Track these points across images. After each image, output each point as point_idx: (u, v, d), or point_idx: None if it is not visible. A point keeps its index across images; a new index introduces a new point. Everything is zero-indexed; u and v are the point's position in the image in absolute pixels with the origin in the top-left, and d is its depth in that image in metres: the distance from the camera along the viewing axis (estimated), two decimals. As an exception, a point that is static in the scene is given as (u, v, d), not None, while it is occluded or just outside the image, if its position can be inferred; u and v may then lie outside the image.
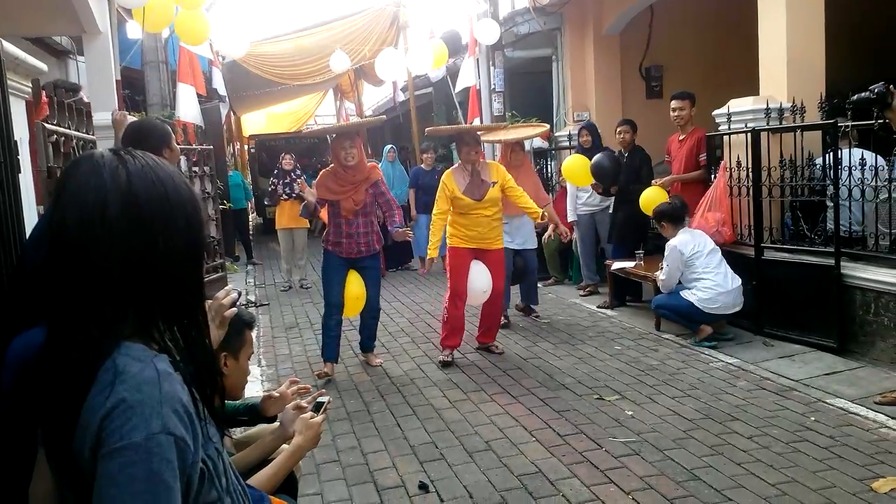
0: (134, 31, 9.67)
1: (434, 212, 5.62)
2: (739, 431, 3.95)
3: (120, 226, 1.09)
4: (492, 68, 9.41)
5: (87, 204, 1.10)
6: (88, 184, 1.11)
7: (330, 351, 5.38)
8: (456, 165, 5.75)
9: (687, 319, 5.74)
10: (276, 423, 2.42)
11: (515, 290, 6.93)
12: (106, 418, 1.02)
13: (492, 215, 5.56)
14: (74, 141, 3.48)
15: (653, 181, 6.73)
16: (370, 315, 5.58)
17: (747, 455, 3.67)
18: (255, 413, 2.49)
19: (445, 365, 5.46)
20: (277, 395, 2.48)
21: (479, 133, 5.97)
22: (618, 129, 7.23)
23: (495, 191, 5.56)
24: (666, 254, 5.78)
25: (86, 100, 5.76)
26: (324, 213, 5.45)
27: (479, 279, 5.56)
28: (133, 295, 1.11)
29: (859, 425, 3.97)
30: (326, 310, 5.37)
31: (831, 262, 5.17)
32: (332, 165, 5.38)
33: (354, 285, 5.35)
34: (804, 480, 3.35)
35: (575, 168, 7.23)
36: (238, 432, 2.87)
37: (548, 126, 5.74)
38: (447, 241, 5.69)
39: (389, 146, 10.40)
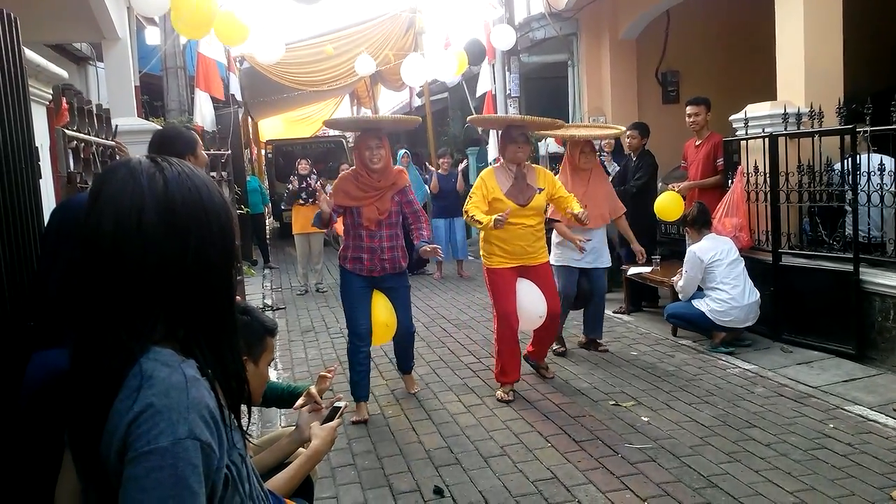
0: (153, 37, 9.79)
1: (466, 207, 4.83)
2: (757, 438, 3.93)
3: (156, 231, 1.11)
4: (507, 73, 9.42)
5: (124, 209, 1.11)
6: (125, 189, 1.12)
7: (361, 389, 4.61)
8: (497, 164, 5.03)
9: (697, 329, 5.71)
10: (293, 427, 2.44)
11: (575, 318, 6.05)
12: (133, 423, 1.03)
13: (535, 226, 4.81)
14: (94, 147, 3.52)
15: (669, 186, 6.70)
16: (404, 339, 4.89)
17: (765, 462, 3.64)
18: (287, 401, 2.61)
19: (504, 403, 4.70)
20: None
21: (524, 128, 5.02)
22: (626, 133, 7.20)
23: (541, 199, 4.84)
24: (686, 259, 5.75)
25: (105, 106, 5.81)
26: (339, 226, 4.92)
27: (532, 301, 4.79)
28: (164, 300, 1.12)
29: (878, 433, 3.93)
30: (351, 341, 4.60)
31: (850, 267, 5.12)
32: (352, 168, 4.73)
33: (382, 310, 4.61)
34: (822, 488, 3.32)
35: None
36: (255, 436, 2.90)
37: (624, 127, 5.21)
38: (483, 260, 4.95)
39: (403, 151, 10.44)
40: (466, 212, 4.78)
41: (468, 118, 5.61)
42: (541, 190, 4.83)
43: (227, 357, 1.19)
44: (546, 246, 5.05)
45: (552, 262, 5.33)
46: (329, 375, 2.72)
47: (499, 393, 4.80)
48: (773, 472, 3.52)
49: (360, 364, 4.60)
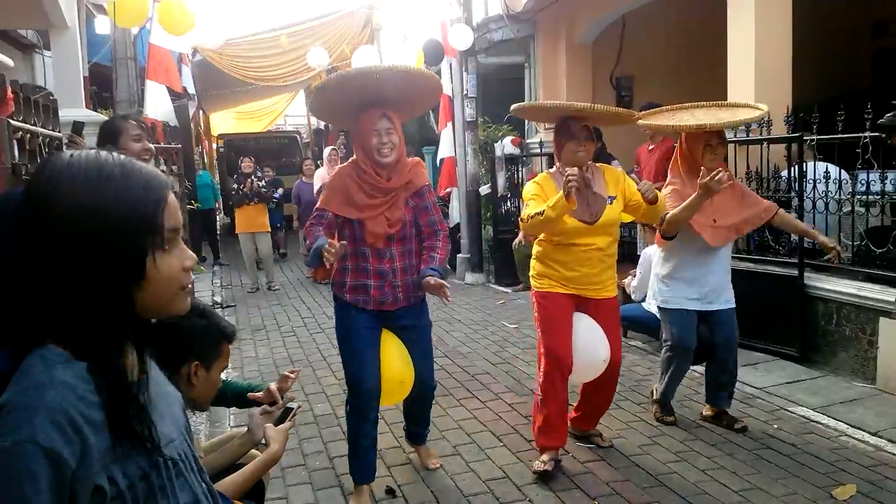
0: (103, 26, 9.53)
1: (522, 216, 3.62)
2: (704, 438, 4.00)
3: (46, 230, 1.08)
4: (465, 74, 9.42)
5: (32, 199, 1.08)
6: (39, 180, 1.09)
7: (365, 469, 3.41)
8: (553, 170, 3.76)
9: (648, 330, 5.80)
10: (244, 428, 2.40)
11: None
12: None
13: (605, 248, 3.61)
14: (41, 138, 3.42)
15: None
16: (421, 397, 3.60)
17: (711, 462, 3.71)
18: (245, 400, 2.52)
19: (544, 476, 3.56)
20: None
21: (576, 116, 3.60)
22: None
23: (615, 211, 3.58)
24: (640, 262, 5.83)
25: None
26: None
27: (592, 342, 3.61)
28: (53, 300, 1.08)
29: (821, 433, 4.04)
30: (353, 402, 3.34)
31: (795, 272, 5.26)
32: (351, 160, 3.38)
33: (393, 358, 3.35)
34: (767, 487, 3.41)
35: None
36: (204, 438, 2.84)
37: (766, 107, 3.93)
38: (532, 283, 3.82)
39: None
40: (522, 220, 3.64)
41: (512, 108, 3.92)
42: (612, 199, 3.58)
43: (107, 370, 1.10)
44: (615, 276, 3.84)
45: (657, 303, 4.22)
46: (292, 376, 2.60)
47: (536, 463, 3.62)
48: (719, 472, 3.60)
49: (366, 437, 3.35)
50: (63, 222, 1.05)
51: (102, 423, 1.04)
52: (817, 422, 4.21)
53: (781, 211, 4.20)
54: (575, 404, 4.00)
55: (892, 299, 4.58)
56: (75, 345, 1.09)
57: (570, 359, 3.58)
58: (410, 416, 3.77)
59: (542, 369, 3.69)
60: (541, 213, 3.36)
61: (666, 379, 4.19)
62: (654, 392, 4.33)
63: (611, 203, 3.56)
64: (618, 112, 3.78)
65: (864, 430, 4.04)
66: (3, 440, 0.98)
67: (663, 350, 4.21)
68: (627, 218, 3.76)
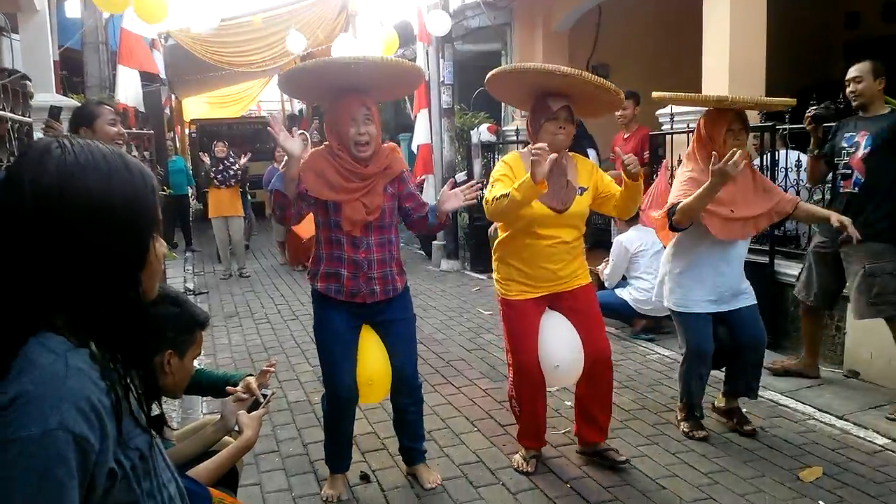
0: (73, 9, 9.35)
1: (487, 197, 3.30)
2: (674, 422, 4.06)
3: (42, 215, 1.07)
4: (441, 61, 9.39)
5: (18, 189, 1.08)
6: (26, 169, 1.09)
7: (340, 459, 3.37)
8: (525, 150, 3.48)
9: (620, 317, 5.86)
10: (217, 416, 2.39)
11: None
12: (6, 409, 1.00)
13: (572, 241, 3.38)
14: (10, 123, 3.35)
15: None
16: (407, 399, 3.36)
17: (681, 445, 3.77)
18: (220, 391, 2.51)
19: (524, 474, 3.48)
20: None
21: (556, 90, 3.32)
22: None
23: (584, 203, 3.36)
24: (612, 249, 5.88)
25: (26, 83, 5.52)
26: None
27: (559, 346, 3.36)
28: (55, 287, 1.08)
29: (788, 417, 4.12)
30: (331, 402, 3.26)
31: (765, 259, 5.33)
32: (326, 146, 3.16)
33: (370, 357, 3.20)
34: (735, 470, 3.47)
35: None
36: (176, 426, 2.82)
37: (794, 100, 3.76)
38: (497, 287, 3.56)
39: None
40: (486, 202, 3.30)
41: (486, 79, 3.43)
42: (583, 190, 3.36)
43: (127, 351, 1.15)
44: (586, 263, 3.55)
45: (669, 305, 3.88)
46: (271, 370, 2.57)
47: (516, 458, 3.57)
48: (689, 455, 3.65)
49: (342, 433, 3.29)
50: (80, 217, 1.08)
51: (111, 408, 1.08)
52: (785, 406, 4.28)
53: (802, 202, 3.94)
54: (574, 411, 3.69)
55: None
56: (89, 333, 1.11)
57: (537, 369, 3.35)
58: (401, 427, 3.44)
59: (510, 378, 3.56)
60: (506, 195, 3.10)
61: (687, 390, 3.86)
62: (677, 409, 4.03)
63: (581, 194, 3.33)
64: (606, 86, 3.20)
65: (830, 414, 4.12)
66: (27, 430, 0.98)
67: (682, 359, 3.89)
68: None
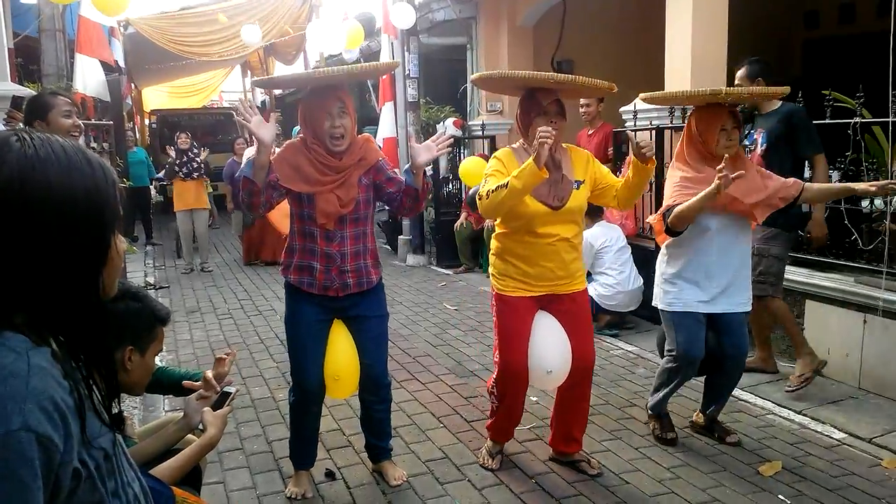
0: (28, -6, 9.08)
1: (481, 192, 3.20)
2: (638, 417, 4.11)
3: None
4: (407, 54, 9.34)
5: None
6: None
7: (305, 456, 3.35)
8: (517, 146, 3.41)
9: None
10: (180, 414, 2.35)
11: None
12: None
13: (571, 238, 3.28)
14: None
15: None
16: (374, 397, 3.33)
17: (644, 440, 3.82)
18: (181, 389, 2.46)
19: (489, 469, 3.51)
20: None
21: (550, 89, 3.27)
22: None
23: (581, 196, 3.27)
24: (581, 245, 5.91)
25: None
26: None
27: (551, 348, 3.30)
28: (13, 284, 1.06)
29: (749, 412, 4.19)
30: (296, 396, 3.23)
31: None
32: (299, 138, 3.14)
33: (339, 352, 3.16)
34: (697, 464, 3.52)
35: (471, 170, 6.78)
36: (138, 424, 2.77)
37: (788, 88, 3.53)
38: (493, 282, 3.43)
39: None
40: (480, 197, 3.19)
41: (471, 78, 3.41)
42: (580, 184, 3.26)
43: (88, 349, 1.13)
44: (584, 268, 3.51)
45: (661, 306, 3.69)
46: (227, 358, 2.51)
47: (482, 452, 3.60)
48: (652, 449, 3.70)
49: (306, 427, 3.29)
50: (41, 211, 1.05)
51: (75, 407, 1.06)
52: (745, 401, 4.36)
53: (808, 184, 3.66)
54: (550, 421, 3.63)
55: (819, 283, 4.77)
56: (49, 331, 1.09)
57: (522, 363, 3.28)
58: (369, 425, 3.41)
59: (495, 376, 3.46)
60: (504, 186, 3.01)
61: (664, 392, 3.76)
62: (650, 419, 3.92)
63: (577, 188, 3.23)
64: (598, 85, 3.18)
65: (789, 409, 4.21)
66: None
67: (664, 360, 3.73)
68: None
